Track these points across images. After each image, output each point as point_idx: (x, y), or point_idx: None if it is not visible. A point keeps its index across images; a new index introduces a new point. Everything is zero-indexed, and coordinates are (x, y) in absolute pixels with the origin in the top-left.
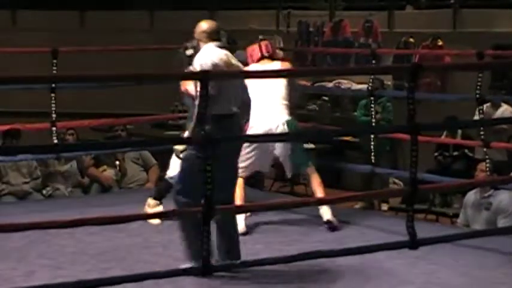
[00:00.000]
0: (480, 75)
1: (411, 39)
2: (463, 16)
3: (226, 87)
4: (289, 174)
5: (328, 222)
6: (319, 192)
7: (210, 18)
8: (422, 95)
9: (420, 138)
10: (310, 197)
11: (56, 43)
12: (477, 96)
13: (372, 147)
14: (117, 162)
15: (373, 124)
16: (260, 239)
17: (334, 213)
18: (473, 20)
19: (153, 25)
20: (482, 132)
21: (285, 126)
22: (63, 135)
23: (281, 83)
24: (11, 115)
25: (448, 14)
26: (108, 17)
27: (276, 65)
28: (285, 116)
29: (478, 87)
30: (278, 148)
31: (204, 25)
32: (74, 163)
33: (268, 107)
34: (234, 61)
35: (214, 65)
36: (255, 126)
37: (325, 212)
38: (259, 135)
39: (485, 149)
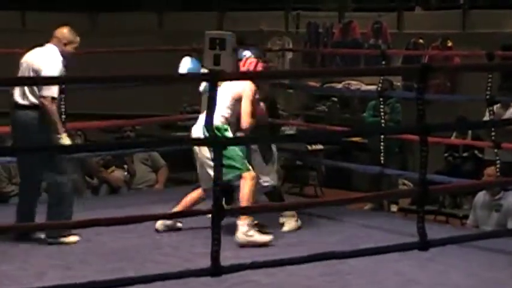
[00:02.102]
0: (490, 76)
1: (420, 40)
2: (472, 17)
3: None
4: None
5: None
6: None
7: (219, 19)
8: (432, 97)
9: (430, 139)
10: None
11: None
12: (487, 97)
13: (381, 148)
14: (125, 166)
15: (382, 125)
16: (272, 241)
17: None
18: (482, 21)
19: (162, 26)
20: (493, 133)
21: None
22: (72, 136)
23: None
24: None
25: (458, 15)
26: (117, 19)
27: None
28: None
29: (488, 88)
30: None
31: None
32: None
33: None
34: None
35: None
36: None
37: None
38: (265, 136)
39: (496, 150)
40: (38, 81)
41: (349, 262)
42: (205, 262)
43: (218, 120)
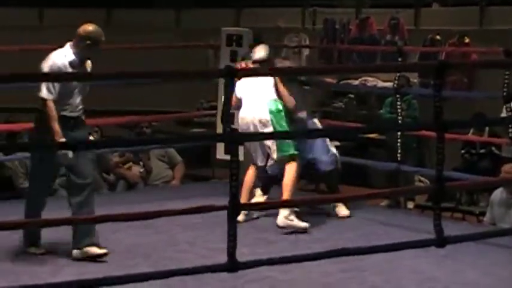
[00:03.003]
0: (507, 72)
1: (437, 37)
2: (489, 13)
3: None
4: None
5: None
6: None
7: (236, 16)
8: (449, 94)
9: (447, 135)
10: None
11: None
12: (504, 93)
13: (398, 144)
14: (141, 162)
15: (400, 121)
16: (286, 237)
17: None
18: (500, 17)
19: (179, 23)
20: (510, 130)
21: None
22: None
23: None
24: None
25: (475, 11)
26: (134, 15)
27: None
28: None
29: (505, 84)
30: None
31: None
32: None
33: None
34: None
35: None
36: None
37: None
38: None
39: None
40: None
41: (366, 259)
42: (222, 258)
43: (274, 103)
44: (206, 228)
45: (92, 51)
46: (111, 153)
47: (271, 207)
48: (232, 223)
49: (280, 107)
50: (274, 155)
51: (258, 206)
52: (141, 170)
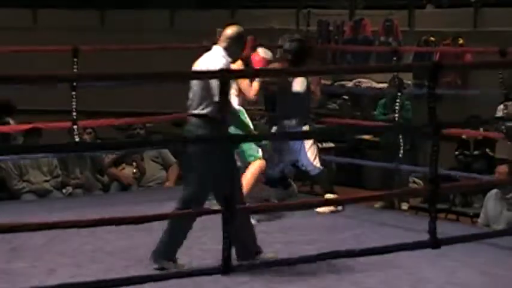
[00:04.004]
0: (500, 73)
1: (432, 38)
2: (484, 15)
3: None
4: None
5: None
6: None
7: (230, 17)
8: (444, 91)
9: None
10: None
11: (76, 42)
12: (504, 91)
13: (392, 145)
14: (134, 163)
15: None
16: (279, 238)
17: None
18: (494, 18)
19: (173, 24)
20: (504, 129)
21: None
22: (81, 134)
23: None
24: (31, 113)
25: (469, 13)
26: (128, 16)
27: None
28: None
29: (501, 84)
30: None
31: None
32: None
33: None
34: None
35: None
36: None
37: None
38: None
39: (510, 143)
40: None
41: (360, 260)
42: (217, 259)
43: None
44: (200, 230)
45: (240, 51)
46: (105, 154)
47: (269, 210)
48: (226, 226)
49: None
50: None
51: (253, 209)
52: (135, 171)
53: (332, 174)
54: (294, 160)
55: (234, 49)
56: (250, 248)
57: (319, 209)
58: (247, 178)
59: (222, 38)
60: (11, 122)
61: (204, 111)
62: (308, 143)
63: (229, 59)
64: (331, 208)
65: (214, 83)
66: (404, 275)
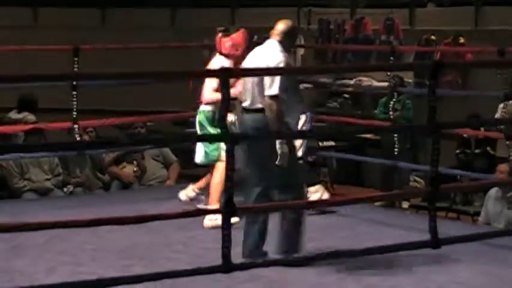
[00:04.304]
0: (500, 71)
1: (432, 37)
2: (485, 14)
3: None
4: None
5: None
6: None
7: (231, 15)
8: (445, 91)
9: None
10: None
11: (77, 40)
12: (505, 90)
13: (393, 144)
14: (135, 162)
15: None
16: None
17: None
18: (495, 17)
19: (174, 23)
20: (502, 128)
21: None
22: (82, 134)
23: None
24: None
25: (470, 11)
26: (129, 15)
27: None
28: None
29: (505, 84)
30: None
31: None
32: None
33: None
34: None
35: None
36: None
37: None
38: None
39: (507, 142)
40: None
41: (361, 259)
42: (216, 258)
43: (202, 113)
44: (200, 228)
45: (293, 45)
46: (105, 153)
47: (266, 210)
48: (226, 224)
49: (209, 115)
50: (200, 159)
51: (252, 209)
52: (136, 170)
53: (332, 172)
54: None
55: (288, 43)
56: (294, 242)
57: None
58: (217, 181)
59: (276, 32)
60: (32, 118)
61: (259, 106)
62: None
63: (285, 53)
64: None
65: (269, 77)
66: (405, 273)
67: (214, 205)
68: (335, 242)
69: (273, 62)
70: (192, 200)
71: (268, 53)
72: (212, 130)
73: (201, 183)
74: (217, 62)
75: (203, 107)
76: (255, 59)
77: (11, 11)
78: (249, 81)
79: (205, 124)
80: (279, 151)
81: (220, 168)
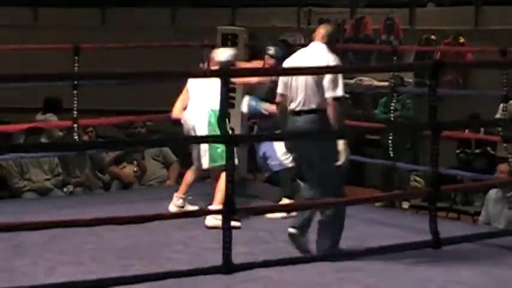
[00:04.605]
0: (504, 72)
1: (433, 37)
2: (485, 13)
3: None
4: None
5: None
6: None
7: (231, 15)
8: (445, 91)
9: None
10: None
11: (77, 40)
12: (504, 92)
13: (391, 144)
14: (135, 162)
15: (394, 121)
16: (280, 237)
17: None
18: (495, 17)
19: (174, 22)
20: (501, 130)
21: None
22: (82, 133)
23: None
24: (31, 111)
25: (470, 11)
26: (129, 14)
27: None
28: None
29: (504, 84)
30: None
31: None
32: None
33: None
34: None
35: None
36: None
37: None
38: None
39: (504, 145)
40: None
41: (361, 258)
42: (217, 258)
43: (213, 114)
44: (200, 228)
45: (334, 47)
46: (105, 153)
47: (267, 211)
48: (227, 225)
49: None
50: (205, 165)
51: (253, 210)
52: (136, 170)
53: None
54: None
55: (332, 45)
56: (334, 239)
57: (269, 215)
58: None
59: (321, 35)
60: (55, 119)
61: (313, 107)
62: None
63: (334, 54)
64: (283, 214)
65: (330, 79)
66: (406, 273)
67: (219, 206)
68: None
69: (324, 62)
70: (182, 207)
71: (318, 54)
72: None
73: (182, 189)
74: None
75: (216, 106)
76: (302, 60)
77: (11, 10)
78: (300, 83)
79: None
80: (343, 152)
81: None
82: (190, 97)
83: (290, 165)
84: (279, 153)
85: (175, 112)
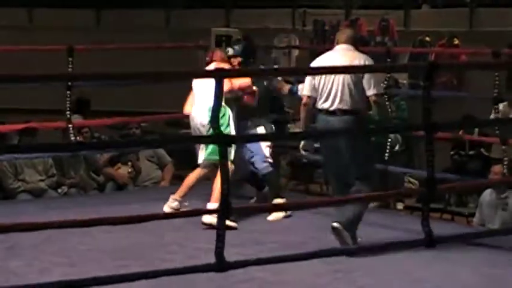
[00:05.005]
0: (497, 74)
1: (427, 38)
2: (479, 15)
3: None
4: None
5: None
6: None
7: (226, 16)
8: (439, 93)
9: (436, 135)
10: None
11: (71, 41)
12: (494, 94)
13: (386, 145)
14: (130, 163)
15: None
16: (276, 237)
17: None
18: (489, 19)
19: (168, 23)
20: (498, 131)
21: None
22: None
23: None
24: (26, 112)
25: (465, 13)
26: (124, 15)
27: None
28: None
29: (496, 86)
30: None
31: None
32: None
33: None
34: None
35: None
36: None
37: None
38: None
39: (503, 147)
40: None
41: (357, 259)
42: (212, 258)
43: None
44: (195, 229)
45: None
46: (100, 153)
47: (262, 211)
48: (222, 224)
49: (224, 113)
50: (200, 159)
51: (248, 209)
52: (130, 171)
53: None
54: (250, 156)
55: (357, 46)
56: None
57: (270, 217)
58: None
59: (346, 37)
60: (77, 118)
61: (352, 107)
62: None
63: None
64: (283, 213)
65: (368, 78)
66: (400, 274)
67: (215, 204)
68: (329, 244)
69: (361, 61)
70: (177, 210)
71: (351, 55)
72: (224, 130)
73: (181, 191)
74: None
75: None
76: (335, 62)
77: (6, 11)
78: (336, 83)
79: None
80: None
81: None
82: (195, 95)
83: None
84: (265, 156)
85: (187, 108)
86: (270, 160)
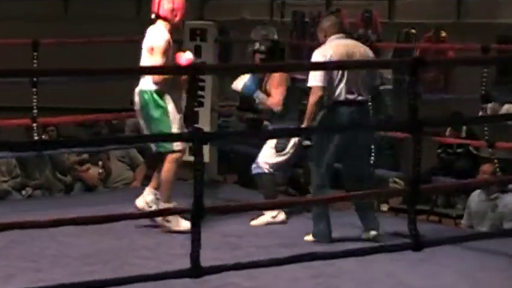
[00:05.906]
0: (485, 70)
1: (413, 31)
2: (467, 6)
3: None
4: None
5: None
6: (161, 184)
7: (200, 7)
8: (424, 96)
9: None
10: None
11: (39, 32)
12: (482, 92)
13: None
14: (100, 163)
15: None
16: (253, 241)
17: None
18: (478, 10)
19: (139, 14)
20: (486, 130)
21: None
22: (42, 133)
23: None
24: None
25: (452, 3)
26: (93, 5)
27: None
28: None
29: (483, 83)
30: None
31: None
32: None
33: None
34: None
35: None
36: None
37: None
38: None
39: (490, 150)
40: None
41: (338, 264)
42: (185, 264)
43: (144, 93)
44: (168, 234)
45: None
46: (68, 153)
47: (236, 210)
48: (196, 227)
49: (155, 95)
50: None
51: (224, 209)
52: (100, 171)
53: (308, 173)
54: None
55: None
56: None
57: (253, 222)
58: (167, 176)
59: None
60: None
61: (365, 98)
62: (271, 142)
63: None
64: (268, 219)
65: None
66: (384, 278)
67: (165, 204)
68: (312, 247)
69: (368, 52)
70: (151, 207)
71: (356, 44)
72: (156, 113)
73: (154, 182)
74: (156, 30)
75: (148, 86)
76: (355, 51)
77: None
78: (351, 74)
79: (151, 106)
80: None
81: (171, 161)
82: None
83: (270, 170)
84: (263, 156)
85: None
86: (269, 166)
